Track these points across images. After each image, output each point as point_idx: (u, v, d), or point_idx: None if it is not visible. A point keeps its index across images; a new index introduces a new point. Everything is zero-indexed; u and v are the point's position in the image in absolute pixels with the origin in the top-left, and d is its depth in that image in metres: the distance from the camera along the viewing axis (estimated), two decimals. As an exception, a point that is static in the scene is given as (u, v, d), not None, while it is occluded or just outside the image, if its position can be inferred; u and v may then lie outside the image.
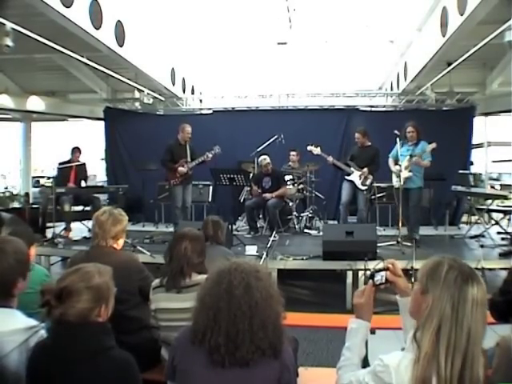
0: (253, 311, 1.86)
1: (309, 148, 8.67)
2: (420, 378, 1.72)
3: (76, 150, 9.13)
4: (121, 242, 3.43)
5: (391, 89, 12.31)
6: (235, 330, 1.84)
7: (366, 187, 8.26)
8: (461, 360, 1.70)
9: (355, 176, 8.28)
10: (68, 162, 8.98)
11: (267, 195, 8.81)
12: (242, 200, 9.65)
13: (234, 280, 1.90)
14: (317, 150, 8.56)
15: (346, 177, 8.43)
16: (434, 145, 7.76)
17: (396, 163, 7.90)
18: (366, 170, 8.18)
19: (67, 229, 8.65)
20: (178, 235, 3.22)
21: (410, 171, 7.76)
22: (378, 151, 8.33)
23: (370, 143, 8.45)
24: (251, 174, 8.99)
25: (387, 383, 1.83)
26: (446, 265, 1.83)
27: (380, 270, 2.23)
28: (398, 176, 7.79)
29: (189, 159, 8.47)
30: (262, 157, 9.06)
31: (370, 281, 2.23)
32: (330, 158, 8.44)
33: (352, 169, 8.30)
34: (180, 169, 8.37)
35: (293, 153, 9.73)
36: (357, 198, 8.40)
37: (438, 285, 1.80)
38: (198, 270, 3.08)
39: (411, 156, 7.77)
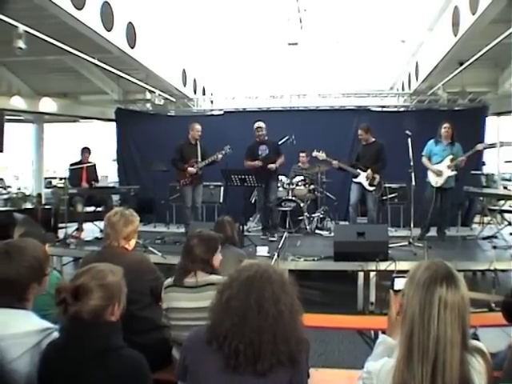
0: (279, 324, 1.87)
1: (314, 154, 8.69)
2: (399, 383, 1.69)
3: (85, 151, 9.19)
4: (132, 242, 3.44)
5: (402, 89, 12.24)
6: (259, 341, 1.84)
7: (373, 187, 8.23)
8: (431, 366, 1.65)
9: (362, 177, 8.25)
10: (79, 162, 9.04)
11: (271, 166, 8.50)
12: (253, 201, 9.64)
13: (266, 292, 1.90)
14: (322, 156, 8.57)
15: (354, 179, 8.41)
16: (484, 144, 8.16)
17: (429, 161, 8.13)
18: (369, 171, 8.15)
19: (79, 229, 8.70)
20: (190, 235, 3.27)
21: (452, 170, 7.94)
22: (382, 147, 8.32)
23: (373, 139, 8.44)
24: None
25: None
26: (423, 267, 1.80)
27: (399, 276, 2.16)
28: (439, 175, 7.90)
29: (199, 159, 8.49)
30: (257, 123, 8.79)
31: (391, 290, 2.19)
32: (335, 162, 8.43)
33: (358, 170, 8.28)
34: (189, 169, 8.39)
35: (302, 154, 9.76)
36: (366, 198, 8.37)
37: (412, 287, 1.77)
38: (208, 270, 3.10)
39: (453, 155, 7.91)
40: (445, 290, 1.70)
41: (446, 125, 8.07)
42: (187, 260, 3.10)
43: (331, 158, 8.52)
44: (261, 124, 8.76)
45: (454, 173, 7.94)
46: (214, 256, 3.18)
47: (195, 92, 12.48)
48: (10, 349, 2.04)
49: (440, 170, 7.96)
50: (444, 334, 1.67)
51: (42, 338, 2.14)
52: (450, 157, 7.92)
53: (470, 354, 1.72)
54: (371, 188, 8.23)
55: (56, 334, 2.19)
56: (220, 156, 8.40)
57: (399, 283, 2.10)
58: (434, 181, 8.00)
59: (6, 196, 12.95)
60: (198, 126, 8.61)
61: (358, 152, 8.60)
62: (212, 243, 3.23)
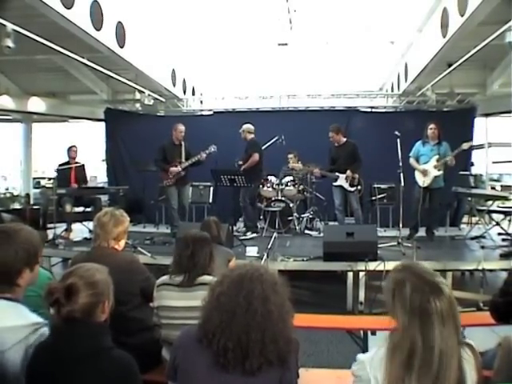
0: (267, 324, 1.87)
1: (290, 165, 9.05)
2: None
3: (71, 148, 9.09)
4: (122, 243, 3.43)
5: (392, 90, 12.29)
6: (247, 339, 1.84)
7: (354, 188, 8.31)
8: (431, 381, 1.69)
9: (342, 180, 8.32)
10: (67, 163, 8.97)
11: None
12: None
13: (255, 290, 1.91)
14: (299, 167, 8.72)
15: (333, 183, 8.46)
16: (470, 143, 8.19)
17: (417, 162, 8.17)
18: (349, 172, 8.21)
19: (68, 230, 8.64)
20: (199, 238, 3.26)
21: (439, 170, 7.96)
22: (355, 146, 8.42)
23: (344, 139, 8.53)
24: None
25: (365, 380, 1.84)
26: (409, 286, 1.80)
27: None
28: (426, 175, 7.93)
29: (183, 159, 8.49)
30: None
31: None
32: (317, 171, 8.58)
33: (337, 174, 8.34)
34: (172, 169, 8.39)
35: (290, 155, 9.74)
36: (349, 200, 8.45)
37: (405, 311, 1.78)
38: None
39: (439, 155, 7.94)
40: (438, 303, 1.74)
41: (431, 125, 8.11)
42: (199, 263, 3.11)
43: (308, 167, 8.68)
44: (243, 128, 8.95)
45: (441, 172, 7.98)
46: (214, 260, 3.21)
47: (185, 92, 12.45)
48: None
49: (426, 169, 8.00)
50: (446, 347, 1.71)
51: (29, 333, 2.11)
52: (437, 157, 7.96)
53: (461, 348, 1.77)
54: (352, 189, 8.32)
55: (45, 329, 2.17)
56: (204, 155, 8.40)
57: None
58: (421, 180, 8.03)
59: (-7, 196, 12.87)
60: (181, 127, 8.62)
61: (331, 155, 8.62)
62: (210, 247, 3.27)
